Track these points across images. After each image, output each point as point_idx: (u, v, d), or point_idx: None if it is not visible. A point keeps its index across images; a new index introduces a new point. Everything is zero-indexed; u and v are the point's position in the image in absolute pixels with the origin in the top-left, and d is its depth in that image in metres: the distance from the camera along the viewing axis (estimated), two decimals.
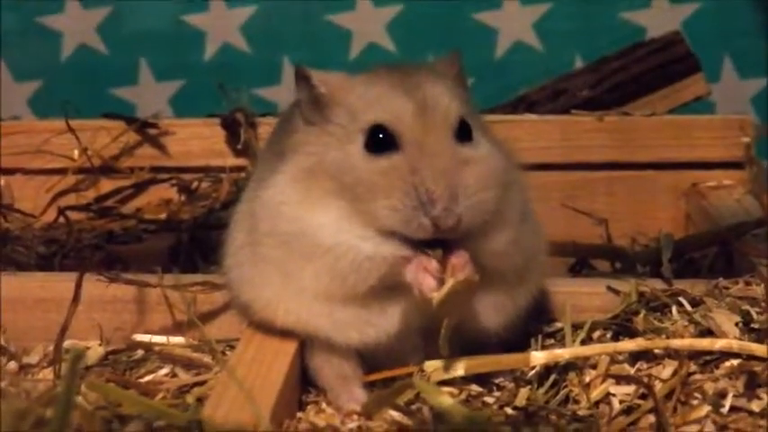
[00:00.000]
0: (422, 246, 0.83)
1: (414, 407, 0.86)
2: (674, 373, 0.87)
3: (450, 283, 0.81)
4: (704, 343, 0.89)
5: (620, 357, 0.90)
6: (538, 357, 0.89)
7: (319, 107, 0.88)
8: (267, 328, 0.91)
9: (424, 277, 0.82)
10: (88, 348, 0.99)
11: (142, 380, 0.95)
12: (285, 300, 0.89)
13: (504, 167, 0.87)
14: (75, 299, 0.95)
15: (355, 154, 0.85)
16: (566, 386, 0.89)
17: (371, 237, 0.84)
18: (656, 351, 0.89)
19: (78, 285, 0.95)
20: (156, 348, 0.99)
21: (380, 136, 0.84)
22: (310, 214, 0.86)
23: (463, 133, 0.85)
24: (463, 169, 0.83)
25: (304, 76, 0.89)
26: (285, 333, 0.90)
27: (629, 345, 0.90)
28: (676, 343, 0.89)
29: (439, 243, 0.83)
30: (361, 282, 0.85)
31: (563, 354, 0.89)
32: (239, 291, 0.93)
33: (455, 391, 0.88)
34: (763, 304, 0.94)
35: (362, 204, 0.83)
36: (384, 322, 0.88)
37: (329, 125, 0.87)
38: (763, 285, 0.97)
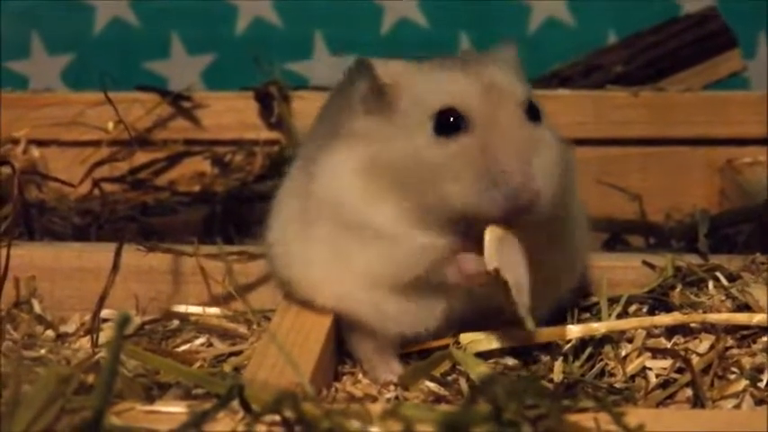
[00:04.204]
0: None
1: (450, 378, 0.86)
2: (711, 347, 0.87)
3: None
4: (741, 317, 0.88)
5: (657, 331, 0.90)
6: (574, 330, 0.89)
7: (382, 97, 0.85)
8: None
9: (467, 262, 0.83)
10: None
11: (178, 349, 0.95)
12: (330, 281, 0.88)
13: (566, 160, 0.85)
14: (115, 267, 0.95)
15: (423, 141, 0.82)
16: (601, 360, 0.88)
17: (428, 230, 0.83)
18: (693, 325, 0.89)
19: (118, 254, 0.95)
20: (192, 318, 1.00)
21: (450, 119, 0.82)
22: (369, 204, 0.85)
23: (533, 114, 0.83)
24: (537, 147, 0.81)
25: (366, 66, 0.86)
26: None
27: (665, 319, 0.90)
28: (713, 317, 0.88)
29: None
30: (411, 270, 0.85)
31: (599, 327, 0.89)
32: (282, 266, 0.92)
33: (491, 363, 0.88)
34: None
35: (429, 192, 0.81)
36: (426, 318, 0.88)
37: (393, 115, 0.85)
38: None
